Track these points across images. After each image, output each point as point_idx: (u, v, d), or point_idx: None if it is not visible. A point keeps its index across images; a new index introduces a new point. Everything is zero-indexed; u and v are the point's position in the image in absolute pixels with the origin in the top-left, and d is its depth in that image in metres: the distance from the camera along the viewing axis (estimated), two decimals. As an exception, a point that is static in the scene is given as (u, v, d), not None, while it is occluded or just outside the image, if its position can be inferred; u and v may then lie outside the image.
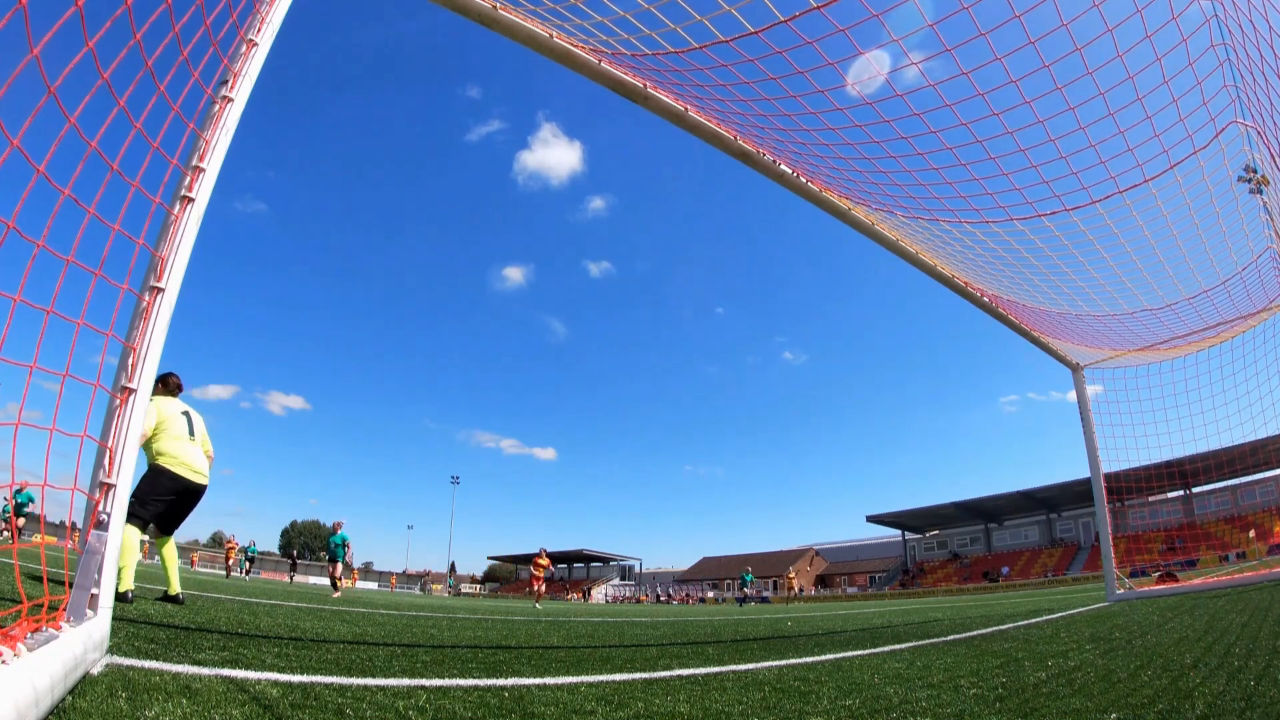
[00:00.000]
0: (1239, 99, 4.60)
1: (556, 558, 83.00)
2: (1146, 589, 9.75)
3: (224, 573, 24.01)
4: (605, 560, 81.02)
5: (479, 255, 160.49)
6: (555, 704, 2.03)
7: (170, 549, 5.20)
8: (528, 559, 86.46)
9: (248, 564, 26.37)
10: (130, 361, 2.17)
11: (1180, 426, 9.07)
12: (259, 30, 2.90)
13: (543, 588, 17.99)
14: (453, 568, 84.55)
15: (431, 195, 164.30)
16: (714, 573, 76.58)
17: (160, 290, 2.28)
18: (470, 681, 2.40)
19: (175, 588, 5.11)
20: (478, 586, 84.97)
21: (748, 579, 30.90)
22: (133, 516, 4.57)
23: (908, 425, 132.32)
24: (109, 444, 2.08)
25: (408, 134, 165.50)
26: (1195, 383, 9.03)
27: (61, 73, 1.67)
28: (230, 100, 2.67)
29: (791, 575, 32.52)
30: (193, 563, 42.62)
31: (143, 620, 3.56)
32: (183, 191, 2.44)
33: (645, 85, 4.89)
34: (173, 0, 2.16)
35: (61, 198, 1.76)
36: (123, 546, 4.50)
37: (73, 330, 1.84)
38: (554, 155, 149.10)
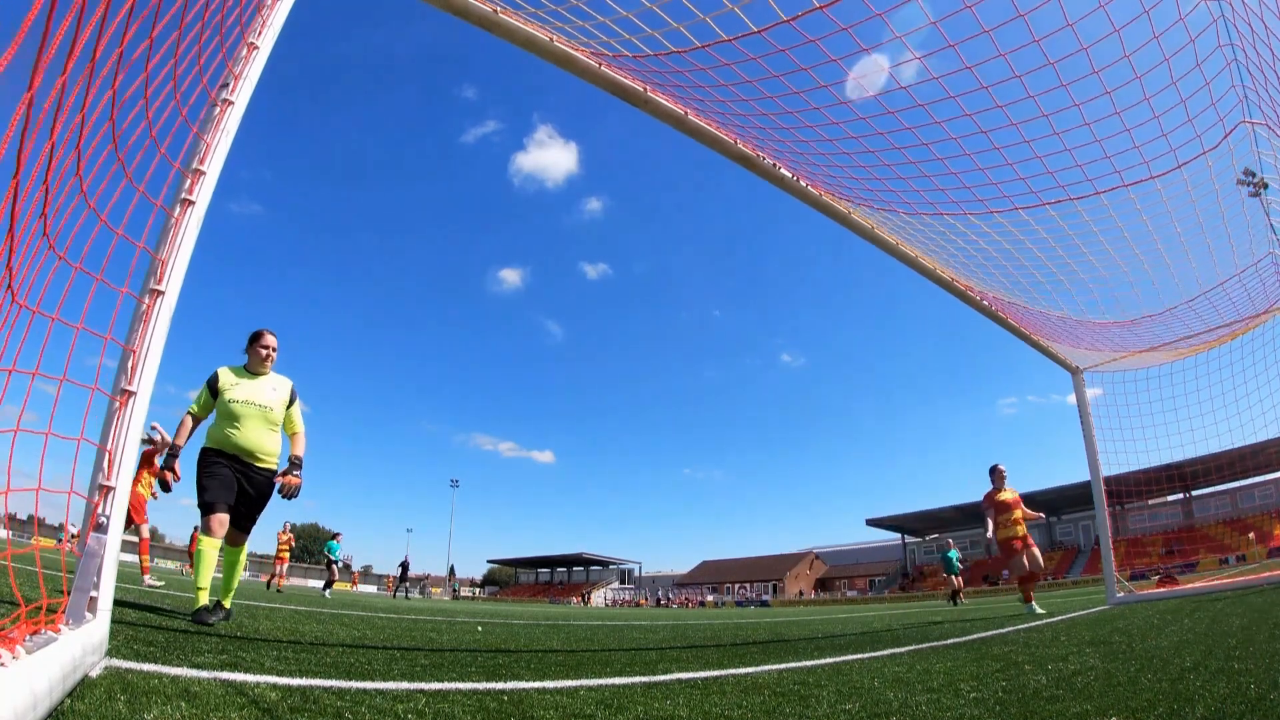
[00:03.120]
0: (1247, 99, 4.61)
1: (555, 561, 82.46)
2: (1147, 592, 9.73)
3: (265, 582, 16.34)
4: (605, 564, 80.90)
5: (476, 257, 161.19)
6: (555, 708, 2.02)
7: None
8: (528, 562, 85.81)
9: (331, 572, 16.67)
10: (130, 364, 2.17)
11: (1180, 429, 9.06)
12: (260, 33, 2.91)
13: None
14: (452, 570, 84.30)
15: (428, 197, 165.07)
16: (713, 576, 76.48)
17: (160, 293, 2.28)
18: (469, 685, 2.39)
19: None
20: (476, 590, 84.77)
21: (953, 559, 17.62)
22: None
23: (907, 428, 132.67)
24: (108, 447, 2.08)
25: (404, 135, 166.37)
26: (1195, 385, 9.04)
27: (58, 77, 1.67)
28: (231, 103, 2.68)
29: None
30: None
31: (141, 623, 3.55)
32: (183, 194, 2.44)
33: (645, 89, 4.90)
34: (169, 3, 2.17)
35: (60, 199, 1.76)
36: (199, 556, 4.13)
37: (70, 333, 1.84)
38: (550, 156, 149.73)
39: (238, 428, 4.20)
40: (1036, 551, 8.22)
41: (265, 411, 4.29)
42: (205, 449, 4.19)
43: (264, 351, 4.39)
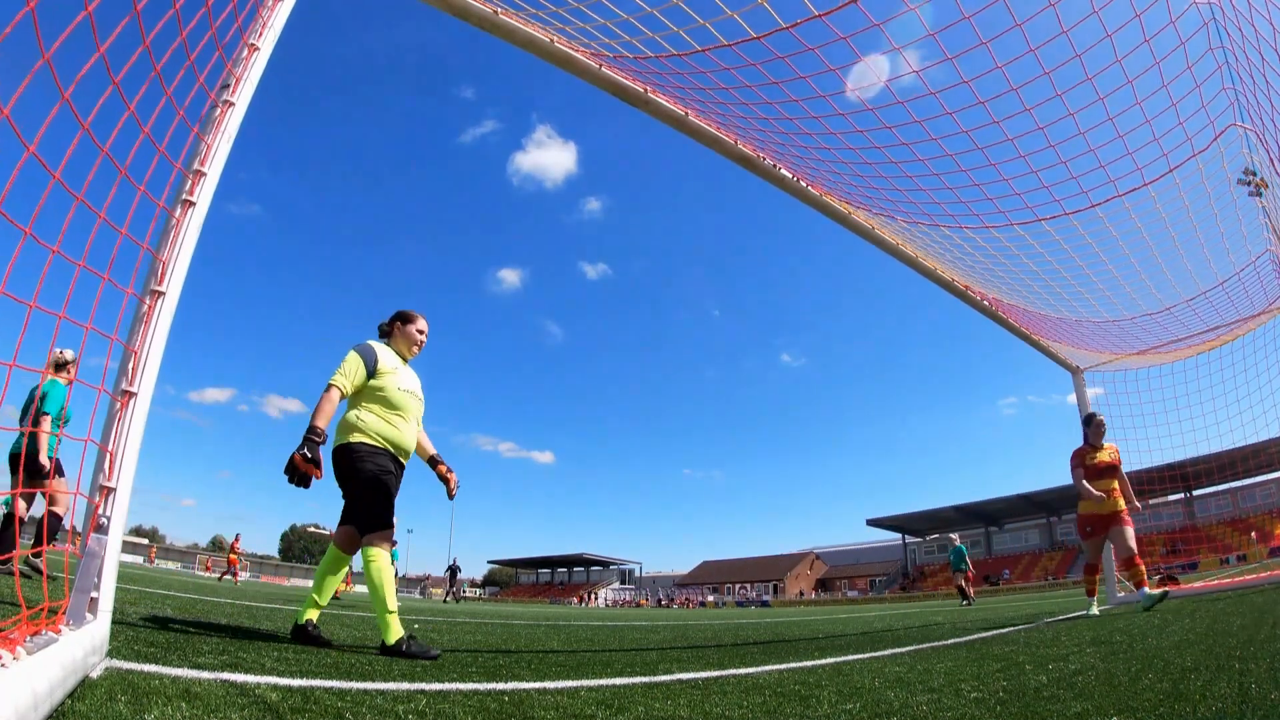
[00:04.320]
0: (1238, 102, 4.63)
1: (555, 561, 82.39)
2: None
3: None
4: (605, 564, 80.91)
5: (475, 258, 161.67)
6: (555, 708, 2.02)
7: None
8: (528, 563, 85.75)
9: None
10: (131, 365, 2.18)
11: (1181, 429, 9.06)
12: (260, 34, 2.91)
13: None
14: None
15: (427, 197, 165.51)
16: (714, 577, 76.46)
17: (161, 294, 2.28)
18: (470, 686, 2.39)
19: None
20: (478, 591, 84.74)
21: (963, 555, 16.28)
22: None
23: (907, 428, 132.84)
24: (109, 447, 2.08)
25: (402, 135, 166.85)
26: (1196, 385, 9.03)
27: (67, 78, 1.68)
28: (231, 104, 2.68)
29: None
30: (207, 568, 41.94)
31: (142, 624, 3.55)
32: (184, 195, 2.44)
33: (646, 90, 4.90)
34: (175, 5, 2.17)
35: (75, 204, 1.76)
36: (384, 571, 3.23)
37: (67, 333, 1.84)
38: (548, 156, 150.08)
39: (403, 421, 3.48)
40: (1129, 531, 5.92)
41: (422, 406, 3.67)
42: (367, 445, 3.31)
43: (420, 337, 3.74)
